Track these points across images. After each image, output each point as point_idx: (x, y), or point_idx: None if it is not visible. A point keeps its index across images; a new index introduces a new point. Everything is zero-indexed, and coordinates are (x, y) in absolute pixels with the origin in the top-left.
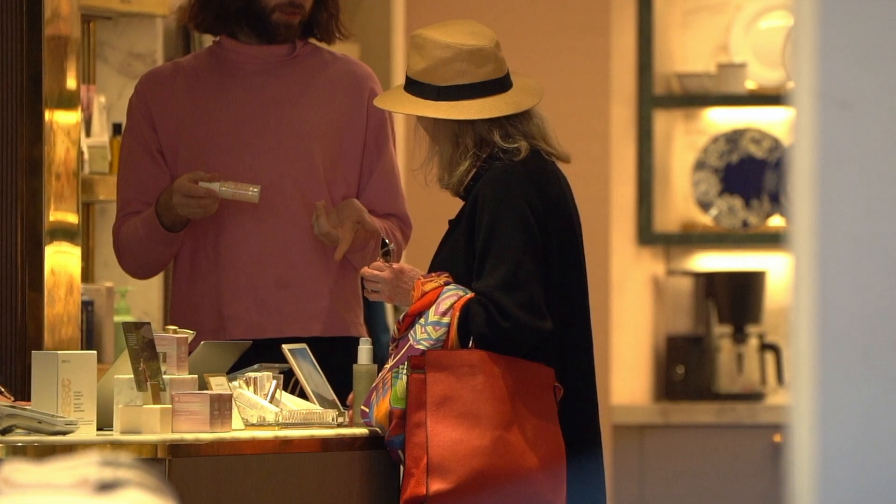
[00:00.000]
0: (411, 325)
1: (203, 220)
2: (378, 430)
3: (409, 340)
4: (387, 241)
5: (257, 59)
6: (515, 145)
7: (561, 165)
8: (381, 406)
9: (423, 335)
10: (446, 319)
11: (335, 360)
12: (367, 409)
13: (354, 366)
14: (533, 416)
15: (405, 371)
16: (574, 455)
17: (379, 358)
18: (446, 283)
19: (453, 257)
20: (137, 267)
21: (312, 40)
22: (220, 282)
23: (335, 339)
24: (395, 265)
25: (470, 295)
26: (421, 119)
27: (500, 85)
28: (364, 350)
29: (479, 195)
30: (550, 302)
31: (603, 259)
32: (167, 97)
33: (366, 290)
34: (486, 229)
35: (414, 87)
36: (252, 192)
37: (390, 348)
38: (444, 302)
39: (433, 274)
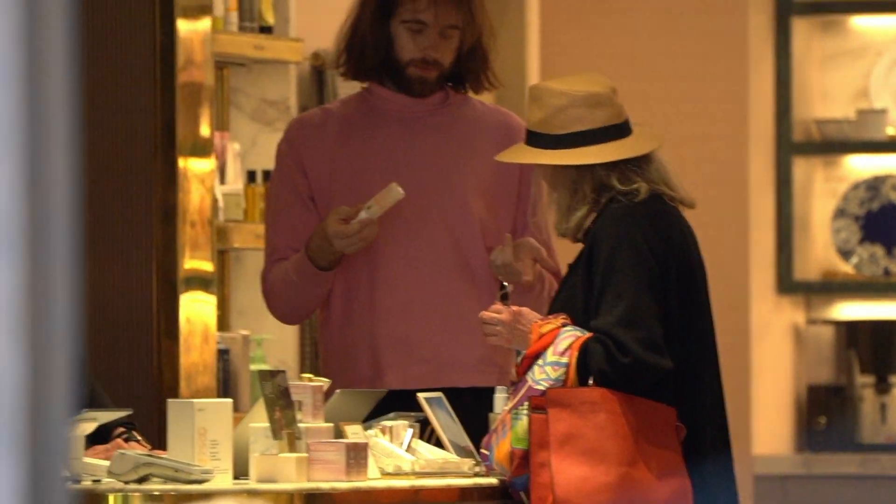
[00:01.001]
0: (529, 367)
1: (356, 266)
2: (499, 472)
3: (527, 382)
4: (504, 283)
5: (408, 108)
6: (634, 186)
7: (698, 213)
8: (502, 448)
9: (542, 375)
10: (565, 359)
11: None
12: (486, 453)
13: (490, 414)
14: (657, 453)
15: (525, 411)
16: (703, 488)
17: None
18: (563, 325)
19: (572, 299)
20: (289, 311)
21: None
22: (376, 331)
23: (478, 389)
24: (513, 308)
25: (588, 335)
26: (541, 169)
27: (618, 131)
28: (500, 399)
29: (597, 234)
30: (670, 343)
31: (743, 308)
32: (318, 143)
33: (484, 334)
34: (604, 267)
35: (534, 138)
36: (394, 191)
37: (508, 391)
38: (563, 342)
39: (551, 316)
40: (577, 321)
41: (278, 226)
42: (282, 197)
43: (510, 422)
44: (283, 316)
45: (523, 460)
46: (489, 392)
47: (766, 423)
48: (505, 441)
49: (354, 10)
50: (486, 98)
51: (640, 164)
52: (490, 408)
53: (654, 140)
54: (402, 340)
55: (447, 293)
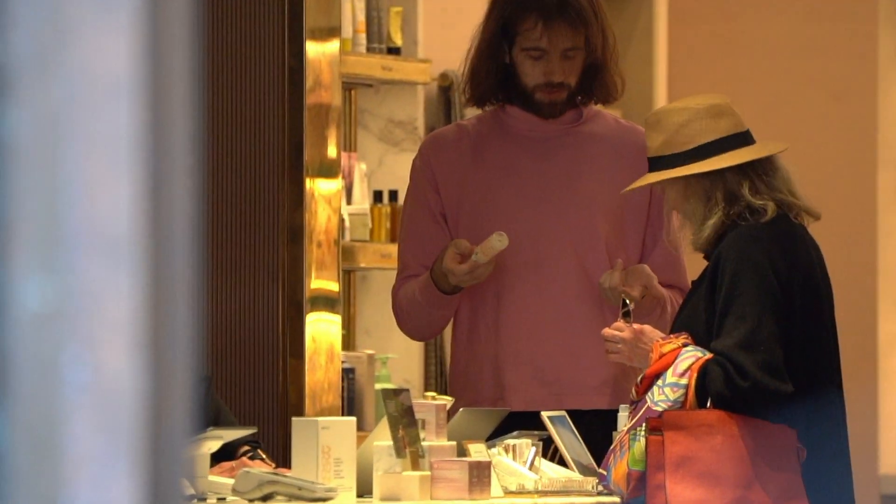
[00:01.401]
0: (649, 386)
1: (482, 287)
2: (616, 492)
3: (646, 402)
4: (626, 301)
5: (539, 128)
6: (763, 203)
7: (826, 228)
8: (620, 468)
9: (660, 396)
10: (684, 381)
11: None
12: (604, 472)
13: (615, 433)
14: (775, 476)
15: (643, 433)
16: None
17: None
18: (685, 345)
19: (694, 317)
20: (416, 329)
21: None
22: (500, 351)
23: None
24: (635, 326)
25: (708, 356)
26: (669, 190)
27: (743, 139)
28: (623, 417)
29: (722, 254)
30: (792, 365)
31: (871, 325)
32: (451, 160)
33: (606, 351)
34: (728, 288)
35: (658, 163)
36: (499, 241)
37: (628, 411)
38: (683, 363)
39: (672, 335)
40: (699, 340)
41: (409, 242)
42: (414, 213)
43: (628, 442)
44: (411, 333)
45: (640, 482)
46: (611, 414)
47: (893, 441)
48: (622, 462)
49: (476, 39)
50: (614, 112)
51: (767, 172)
52: (613, 428)
53: (780, 144)
54: (525, 362)
55: (571, 315)
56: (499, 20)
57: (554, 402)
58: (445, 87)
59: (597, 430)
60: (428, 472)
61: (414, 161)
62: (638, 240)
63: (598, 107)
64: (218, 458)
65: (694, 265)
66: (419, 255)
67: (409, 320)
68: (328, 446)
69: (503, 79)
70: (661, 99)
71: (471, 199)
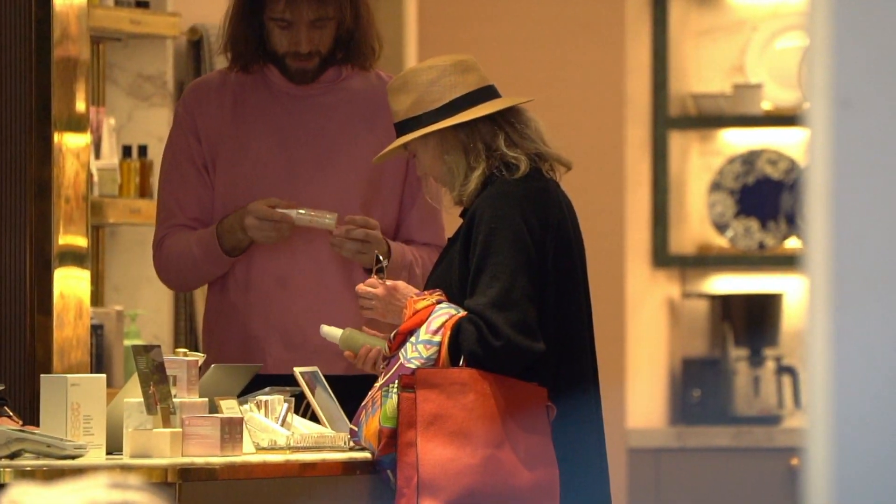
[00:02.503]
0: (402, 343)
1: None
2: (367, 449)
3: (399, 359)
4: (380, 257)
5: (297, 89)
6: (516, 157)
7: (573, 185)
8: (371, 425)
9: (413, 354)
10: (437, 338)
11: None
12: (356, 429)
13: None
14: (525, 435)
15: (395, 390)
16: (573, 474)
17: None
18: (438, 302)
19: (448, 275)
20: (181, 283)
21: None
22: (250, 312)
23: (359, 377)
24: (388, 282)
25: (462, 313)
26: (422, 152)
27: (490, 92)
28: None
29: (476, 212)
30: (545, 323)
31: (618, 281)
32: (212, 111)
33: (360, 307)
34: (482, 247)
35: (409, 125)
36: (328, 219)
37: (381, 367)
38: (436, 320)
39: (426, 292)
40: (453, 298)
41: (172, 191)
42: (176, 161)
43: (380, 399)
44: (175, 285)
45: (391, 439)
46: (359, 380)
47: (640, 396)
48: (374, 419)
49: (231, 3)
50: None
51: (520, 122)
52: (357, 393)
53: (527, 95)
54: (273, 325)
55: (322, 277)
56: None
57: (346, 367)
58: (195, 42)
59: (347, 398)
60: (179, 429)
61: (176, 108)
62: (395, 199)
63: None
64: None
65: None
66: (184, 204)
67: (177, 274)
68: (77, 403)
69: (259, 42)
70: (411, 57)
71: (227, 151)
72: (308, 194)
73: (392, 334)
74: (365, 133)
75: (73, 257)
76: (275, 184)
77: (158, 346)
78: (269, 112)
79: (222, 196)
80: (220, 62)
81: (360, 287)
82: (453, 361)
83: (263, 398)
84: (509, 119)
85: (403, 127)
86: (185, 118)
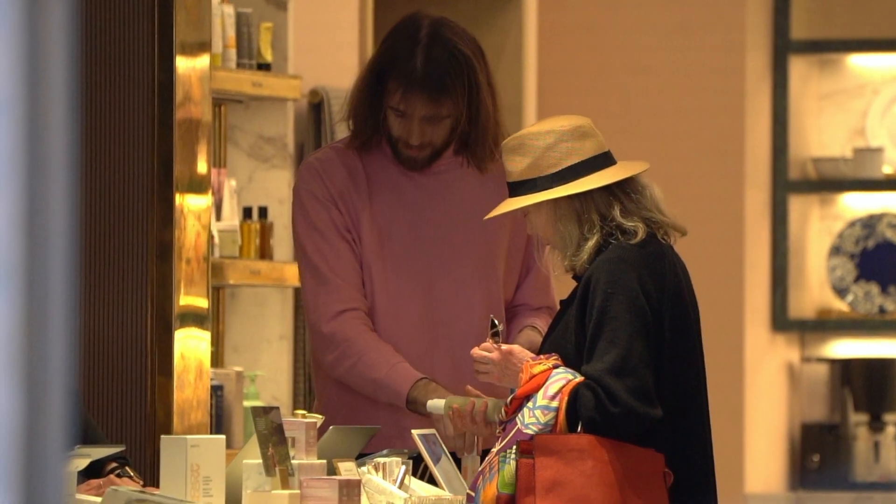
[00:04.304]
0: (519, 408)
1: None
2: None
3: (516, 424)
4: (496, 321)
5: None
6: (633, 225)
7: (693, 249)
8: (489, 491)
9: (531, 419)
10: (555, 403)
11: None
12: (472, 494)
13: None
14: (643, 502)
15: (513, 455)
16: None
17: None
18: (555, 366)
19: (564, 339)
20: (340, 376)
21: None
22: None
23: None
24: (504, 346)
25: (579, 379)
26: (535, 215)
27: (607, 159)
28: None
29: (593, 277)
30: (661, 389)
31: (737, 345)
32: (345, 181)
33: (475, 371)
34: (599, 311)
35: (522, 187)
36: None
37: (497, 431)
38: (553, 385)
39: (542, 356)
40: (569, 362)
41: (332, 266)
42: (325, 236)
43: (497, 464)
44: (335, 371)
45: None
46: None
47: (759, 461)
48: (492, 484)
49: (357, 79)
50: None
51: (635, 191)
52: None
53: (642, 163)
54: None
55: (454, 359)
56: (374, 70)
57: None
58: (316, 104)
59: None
60: (297, 491)
61: (303, 187)
62: (518, 267)
63: None
64: (86, 475)
65: (561, 285)
66: (352, 281)
67: (347, 376)
68: (197, 464)
69: (378, 122)
70: (530, 114)
71: (367, 225)
72: (449, 274)
73: (509, 399)
74: (488, 206)
75: (194, 318)
76: (409, 264)
77: (277, 408)
78: (401, 188)
79: (368, 272)
80: (341, 126)
81: (476, 351)
82: (571, 427)
83: (381, 460)
84: (624, 188)
85: (517, 188)
86: (319, 191)
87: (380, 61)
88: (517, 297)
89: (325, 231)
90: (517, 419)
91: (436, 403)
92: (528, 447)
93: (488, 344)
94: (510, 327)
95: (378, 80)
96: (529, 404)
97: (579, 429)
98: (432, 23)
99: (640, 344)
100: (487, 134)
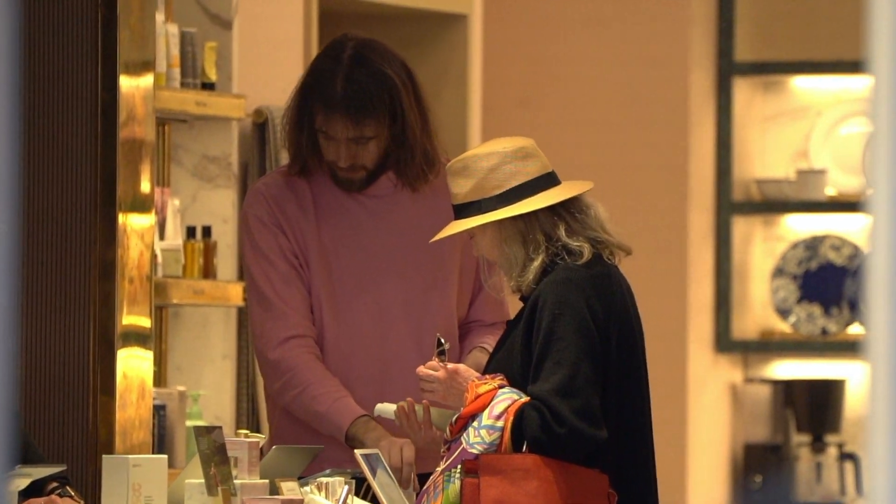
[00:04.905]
0: (464, 427)
1: (326, 351)
2: None
3: (461, 444)
4: (441, 340)
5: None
6: (579, 245)
7: (636, 270)
8: None
9: (476, 439)
10: (500, 423)
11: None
12: None
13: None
14: None
15: (458, 475)
16: None
17: None
18: (500, 386)
19: (509, 359)
20: (285, 405)
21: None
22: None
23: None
24: (450, 365)
25: (525, 399)
26: (480, 236)
27: (551, 179)
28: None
29: (540, 297)
30: (607, 409)
31: (680, 366)
32: (292, 207)
33: (420, 389)
34: (545, 333)
35: (467, 209)
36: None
37: (441, 450)
38: (499, 405)
39: (488, 376)
40: (514, 382)
41: (279, 291)
42: (271, 261)
43: (442, 483)
44: (277, 398)
45: None
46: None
47: (701, 481)
48: (436, 503)
49: (287, 107)
50: None
51: (580, 210)
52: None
53: (586, 183)
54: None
55: (408, 381)
56: (301, 92)
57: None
58: (260, 123)
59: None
60: None
61: (250, 212)
62: (471, 285)
63: None
64: (26, 495)
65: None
66: (292, 304)
67: (292, 405)
68: (139, 483)
69: (312, 148)
70: (475, 133)
71: (315, 251)
72: (396, 294)
73: (454, 418)
74: (442, 224)
75: (137, 338)
76: (358, 288)
77: (220, 427)
78: (348, 211)
79: (317, 297)
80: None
81: (421, 369)
82: (516, 447)
83: (324, 480)
84: (569, 208)
85: (462, 210)
86: (265, 217)
87: (305, 83)
88: (471, 314)
89: (272, 257)
90: (462, 438)
91: (385, 407)
92: (473, 466)
93: (434, 362)
94: (462, 345)
95: (305, 103)
96: (475, 424)
97: (524, 449)
98: (357, 45)
99: (586, 365)
100: (416, 154)
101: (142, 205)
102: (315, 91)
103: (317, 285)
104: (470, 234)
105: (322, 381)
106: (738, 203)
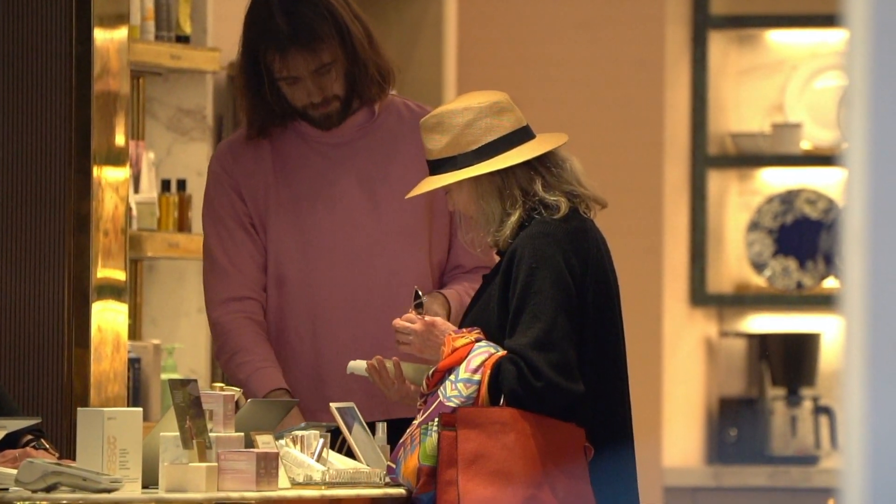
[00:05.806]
0: (441, 380)
1: (296, 306)
2: (405, 486)
3: (438, 397)
4: (419, 292)
5: (332, 137)
6: (555, 199)
7: (611, 224)
8: (410, 462)
9: (453, 392)
10: (477, 377)
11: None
12: (393, 465)
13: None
14: (564, 476)
15: (435, 428)
16: None
17: None
18: (477, 340)
19: (486, 312)
20: (221, 366)
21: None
22: (320, 368)
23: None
24: (427, 318)
25: (502, 352)
26: (455, 192)
27: (526, 134)
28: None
29: (517, 251)
30: (584, 363)
31: (655, 320)
32: (251, 166)
33: (396, 342)
34: (522, 286)
35: (443, 165)
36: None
37: (418, 403)
38: (476, 359)
39: (465, 329)
40: (491, 336)
41: (227, 251)
42: (223, 222)
43: (419, 437)
44: (219, 364)
45: (430, 477)
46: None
47: (676, 434)
48: (413, 456)
49: (237, 73)
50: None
51: (556, 164)
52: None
53: (561, 136)
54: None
55: (381, 327)
56: (249, 54)
57: (382, 412)
58: (234, 76)
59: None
60: (215, 464)
61: (212, 166)
62: (447, 228)
63: (392, 93)
64: (0, 447)
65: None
66: (239, 265)
67: (224, 368)
68: (113, 437)
69: (277, 102)
70: (450, 88)
71: (275, 207)
72: (365, 241)
73: (430, 371)
74: (407, 170)
75: (111, 291)
76: (329, 236)
77: (195, 381)
78: (311, 164)
79: (276, 254)
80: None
81: (398, 322)
82: (493, 401)
83: (299, 433)
84: (545, 162)
85: (437, 166)
86: (223, 177)
87: (247, 38)
88: (451, 259)
89: (225, 218)
90: (439, 392)
91: (357, 364)
92: (450, 420)
93: (411, 314)
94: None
95: (254, 61)
96: (451, 377)
97: (501, 402)
98: None
99: (563, 319)
100: (368, 66)
101: (116, 158)
102: (261, 39)
103: (277, 241)
104: (445, 189)
105: (250, 349)
106: (713, 157)
